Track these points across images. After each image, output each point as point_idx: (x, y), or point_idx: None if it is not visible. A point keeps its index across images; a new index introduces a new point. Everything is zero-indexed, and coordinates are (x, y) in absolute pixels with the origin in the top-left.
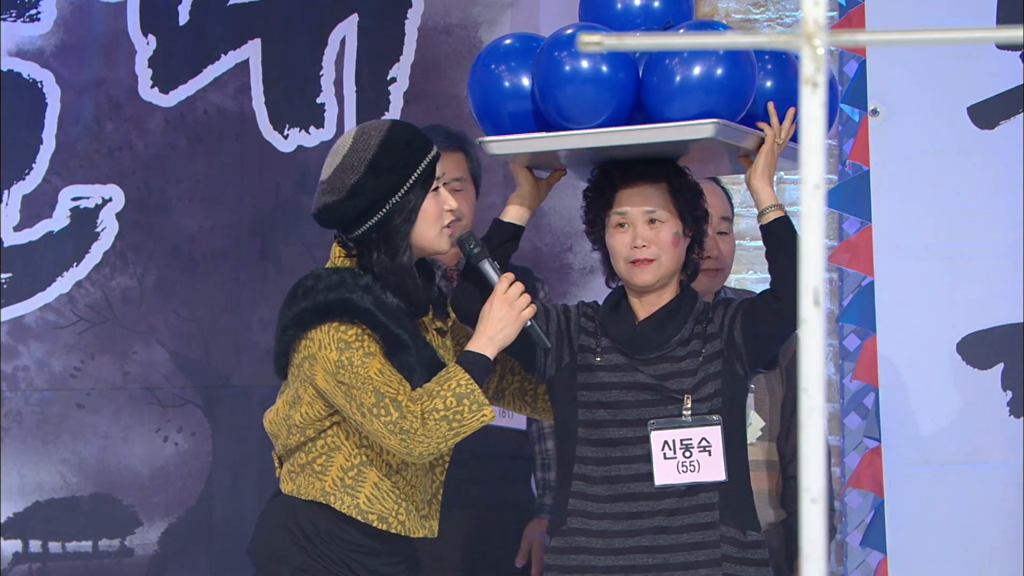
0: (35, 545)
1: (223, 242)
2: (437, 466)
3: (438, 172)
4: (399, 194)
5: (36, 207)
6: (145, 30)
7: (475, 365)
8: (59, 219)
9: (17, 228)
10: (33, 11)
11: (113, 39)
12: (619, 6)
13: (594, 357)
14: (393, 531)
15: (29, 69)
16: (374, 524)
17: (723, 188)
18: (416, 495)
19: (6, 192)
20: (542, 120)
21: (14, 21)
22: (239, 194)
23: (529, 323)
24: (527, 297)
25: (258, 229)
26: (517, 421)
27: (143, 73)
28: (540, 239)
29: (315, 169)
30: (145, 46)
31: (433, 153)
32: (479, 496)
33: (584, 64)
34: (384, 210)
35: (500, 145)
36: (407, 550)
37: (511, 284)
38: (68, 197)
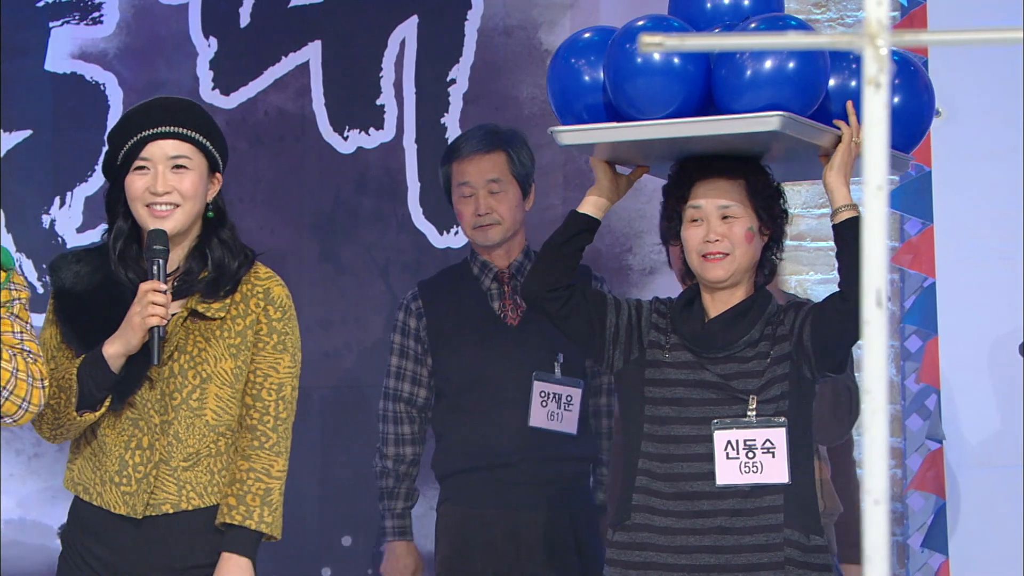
0: None
1: (283, 243)
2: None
3: (144, 154)
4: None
5: (99, 209)
6: (207, 32)
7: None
8: None
9: (80, 229)
10: (96, 14)
11: (175, 41)
12: (708, 5)
13: (663, 354)
14: None
15: (92, 71)
16: None
17: None
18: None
19: (69, 194)
20: (615, 113)
21: (77, 24)
22: (299, 196)
23: (160, 331)
24: (158, 308)
25: (318, 230)
26: (567, 424)
27: (204, 75)
28: (600, 240)
29: (375, 170)
30: (207, 48)
31: (142, 134)
32: (532, 498)
33: (654, 55)
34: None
35: (568, 135)
36: None
37: (155, 289)
38: None
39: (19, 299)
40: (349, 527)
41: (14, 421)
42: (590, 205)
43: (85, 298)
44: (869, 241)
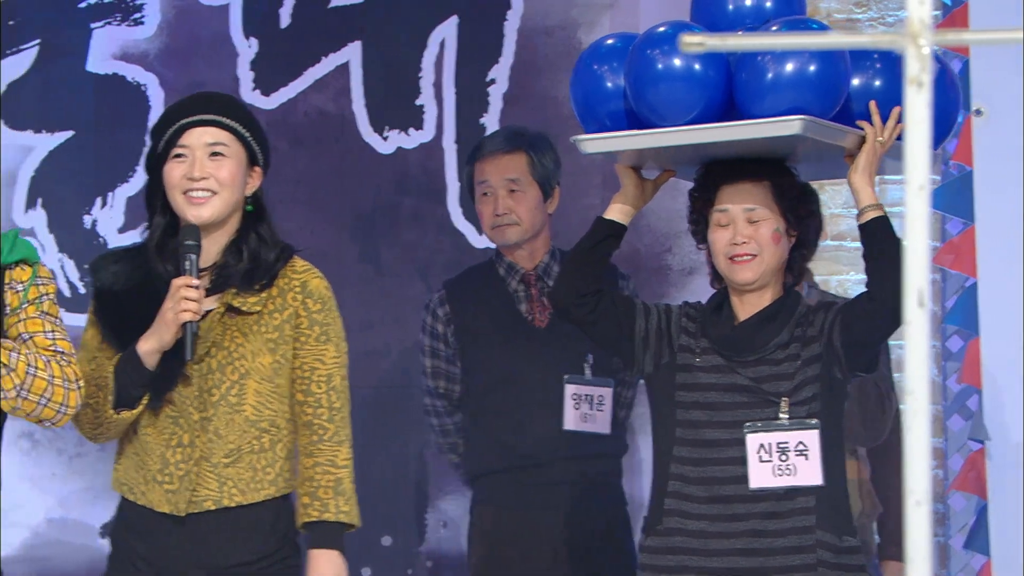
0: None
1: (323, 244)
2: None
3: (182, 141)
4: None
5: (140, 209)
6: (247, 33)
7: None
8: None
9: (121, 230)
10: (137, 15)
11: (216, 42)
12: (730, 7)
13: (694, 358)
14: None
15: (133, 72)
16: None
17: None
18: None
19: (110, 194)
20: (638, 119)
21: (119, 25)
22: (339, 196)
23: (193, 326)
24: (190, 303)
25: (358, 231)
26: (600, 425)
27: (245, 76)
28: (639, 240)
29: (414, 171)
30: (247, 49)
31: (181, 122)
32: (564, 499)
33: (675, 62)
34: None
35: (592, 143)
36: None
37: (188, 284)
38: None
39: (47, 295)
40: (389, 527)
41: (52, 424)
42: (616, 211)
43: (124, 297)
44: (911, 241)
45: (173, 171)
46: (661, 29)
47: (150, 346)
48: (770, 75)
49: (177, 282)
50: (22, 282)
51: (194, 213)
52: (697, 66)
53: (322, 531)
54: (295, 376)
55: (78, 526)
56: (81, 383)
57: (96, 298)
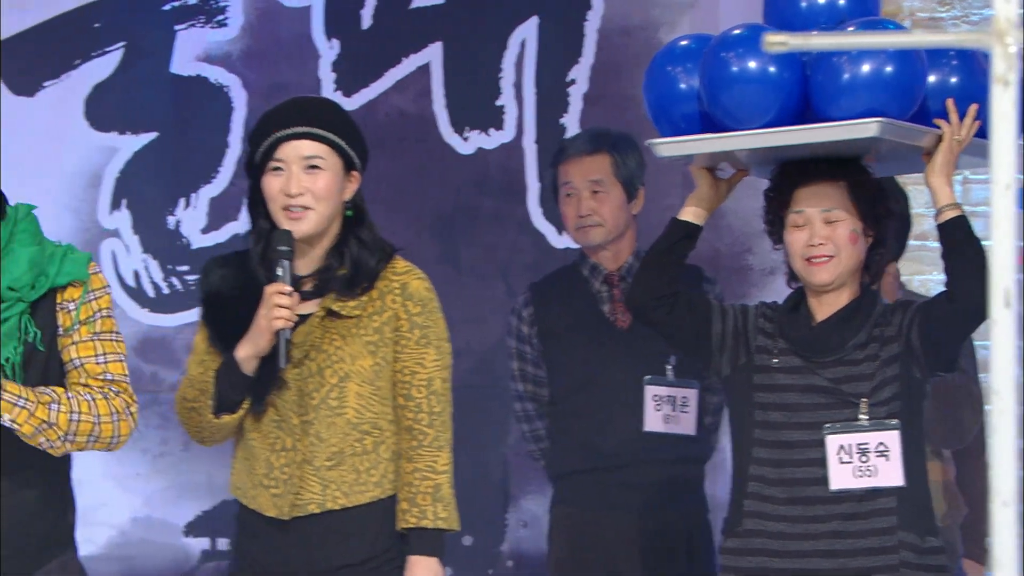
0: (222, 543)
1: (404, 244)
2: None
3: (278, 154)
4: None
5: (223, 209)
6: (329, 34)
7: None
8: (245, 221)
9: (204, 230)
10: (220, 16)
11: (298, 43)
12: (803, 5)
13: (771, 359)
14: None
15: (216, 74)
16: None
17: None
18: None
19: (194, 195)
20: (711, 121)
21: (202, 27)
22: (419, 197)
23: (286, 334)
24: (283, 311)
25: (438, 231)
26: (684, 426)
27: (327, 77)
28: (719, 240)
29: (495, 171)
30: (329, 50)
31: (276, 135)
32: (645, 501)
33: (750, 64)
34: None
35: (667, 147)
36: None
37: (280, 292)
38: None
39: (100, 311)
40: (469, 527)
41: (109, 449)
42: (691, 212)
43: (229, 301)
44: (997, 240)
45: (271, 184)
46: (736, 31)
47: (246, 352)
48: (846, 76)
49: (269, 289)
50: (73, 300)
51: (292, 227)
52: (772, 68)
53: (420, 538)
54: (396, 380)
55: (162, 525)
56: (133, 408)
57: (203, 303)
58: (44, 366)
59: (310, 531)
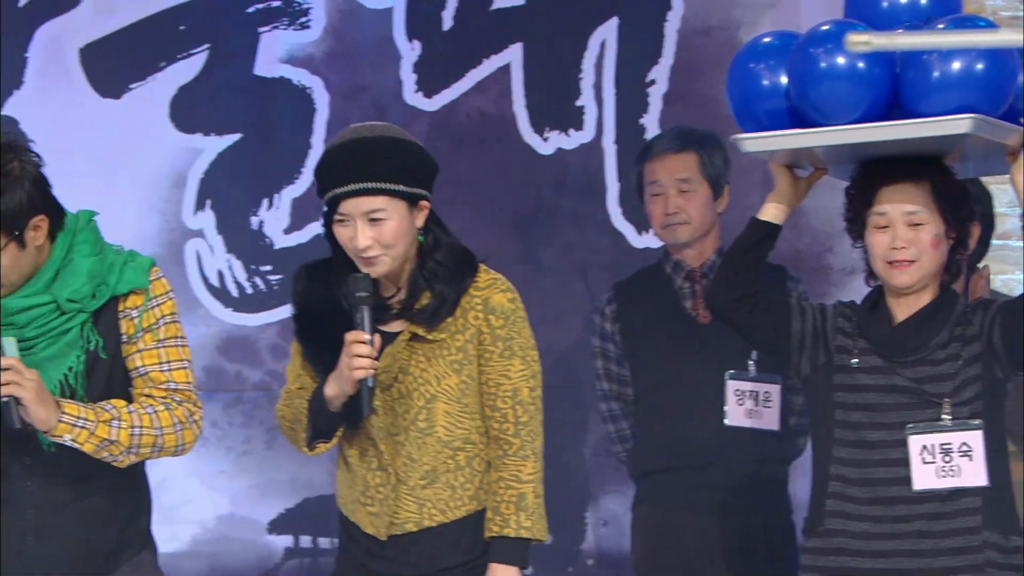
0: (305, 540)
1: (484, 244)
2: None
3: (341, 209)
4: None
5: (305, 210)
6: (410, 36)
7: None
8: None
9: (287, 231)
10: (304, 19)
11: (379, 45)
12: (885, 3)
13: (851, 358)
14: None
15: (299, 75)
16: None
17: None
18: None
19: (277, 196)
20: (798, 117)
21: (286, 29)
22: (499, 197)
23: (368, 382)
24: (363, 360)
25: (518, 231)
26: (767, 421)
27: (408, 78)
28: (800, 239)
29: (574, 171)
30: (410, 51)
31: (334, 192)
32: (727, 501)
33: (840, 60)
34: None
35: (753, 142)
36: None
37: (358, 341)
38: None
39: (164, 317)
40: (550, 525)
41: (176, 455)
42: (771, 211)
43: (320, 318)
44: None
45: (341, 233)
46: (825, 28)
47: (332, 392)
48: (937, 73)
49: (349, 337)
50: (136, 307)
51: (369, 271)
52: (861, 64)
53: (503, 546)
54: (483, 391)
55: (246, 522)
56: (196, 416)
57: (295, 318)
58: (108, 374)
59: (408, 544)
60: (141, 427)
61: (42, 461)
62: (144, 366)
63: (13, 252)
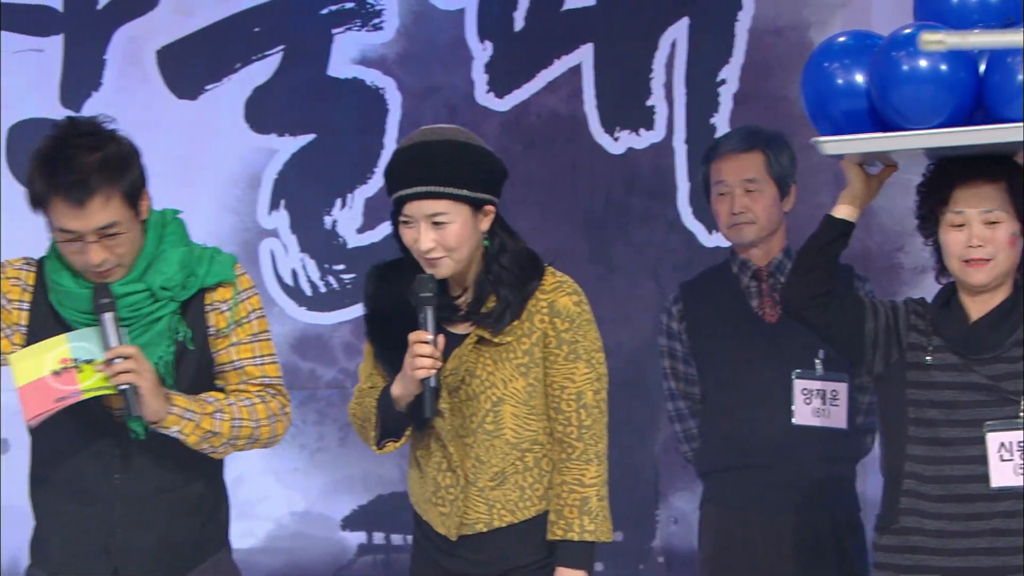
0: (379, 537)
1: (555, 243)
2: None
3: (405, 211)
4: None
5: (378, 210)
6: (482, 37)
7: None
8: None
9: (360, 230)
10: (376, 20)
11: (451, 46)
12: (955, 2)
13: (925, 356)
14: None
15: (372, 76)
16: None
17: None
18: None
19: (350, 195)
20: (877, 119)
21: (359, 30)
22: (570, 196)
23: (430, 382)
24: (425, 360)
25: (589, 231)
26: (835, 419)
27: (479, 79)
28: (870, 238)
29: (645, 171)
30: (482, 52)
31: (399, 194)
32: (795, 500)
33: (923, 64)
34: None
35: (834, 145)
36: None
37: (421, 341)
38: None
39: (254, 311)
40: (620, 523)
41: (266, 447)
42: (844, 209)
43: (389, 318)
44: None
45: (406, 234)
46: (908, 31)
47: (398, 392)
48: (1022, 76)
49: (412, 338)
50: (225, 301)
51: (433, 272)
52: (945, 67)
53: (567, 549)
54: (548, 394)
55: (320, 519)
56: (287, 409)
57: (366, 319)
58: (196, 365)
59: (479, 544)
60: (241, 419)
61: (131, 452)
62: (240, 359)
63: (136, 231)
